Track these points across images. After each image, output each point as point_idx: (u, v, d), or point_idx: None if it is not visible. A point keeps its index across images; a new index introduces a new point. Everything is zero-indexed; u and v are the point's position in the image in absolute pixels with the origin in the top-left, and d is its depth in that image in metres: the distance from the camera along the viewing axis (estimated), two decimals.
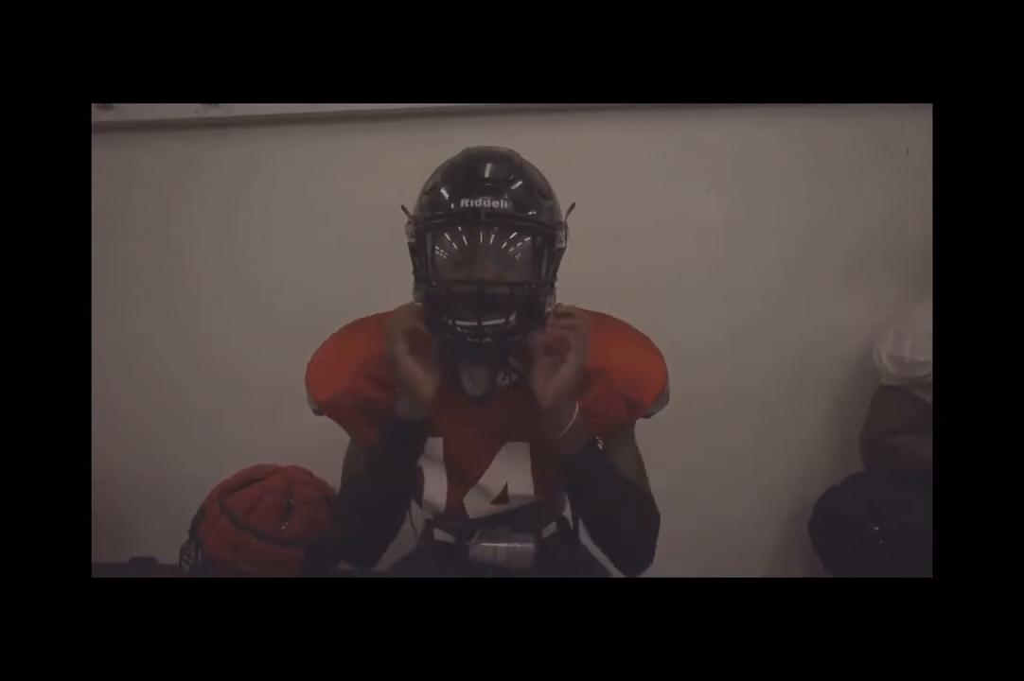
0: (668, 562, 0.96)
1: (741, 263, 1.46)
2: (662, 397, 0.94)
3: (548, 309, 0.84)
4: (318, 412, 0.97)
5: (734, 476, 1.45)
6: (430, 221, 0.84)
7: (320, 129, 1.61)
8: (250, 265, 1.62)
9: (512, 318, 0.81)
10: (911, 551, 1.17)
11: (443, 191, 0.84)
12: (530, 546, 0.98)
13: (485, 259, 0.82)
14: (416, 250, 0.85)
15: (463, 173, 0.85)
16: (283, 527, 1.29)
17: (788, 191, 1.43)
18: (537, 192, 0.86)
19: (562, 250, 0.87)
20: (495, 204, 0.81)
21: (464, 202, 0.81)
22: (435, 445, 0.95)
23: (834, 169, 1.42)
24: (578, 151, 1.46)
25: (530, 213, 0.84)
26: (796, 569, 1.40)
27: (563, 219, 0.89)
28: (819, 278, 1.45)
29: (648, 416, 0.95)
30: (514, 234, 0.83)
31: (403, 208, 0.89)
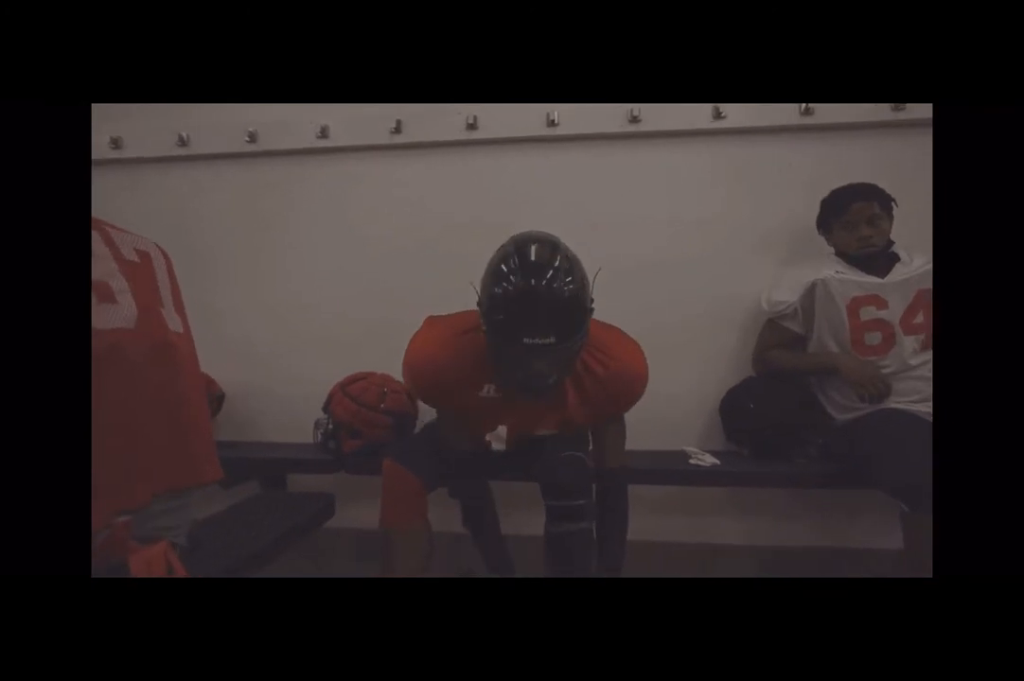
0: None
1: (688, 247, 2.07)
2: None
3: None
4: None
5: (676, 382, 2.00)
6: (501, 343, 1.18)
7: (347, 156, 2.07)
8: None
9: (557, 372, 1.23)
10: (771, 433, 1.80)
11: (509, 326, 1.15)
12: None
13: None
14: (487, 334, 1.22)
15: (522, 314, 1.14)
16: (381, 405, 1.96)
17: (719, 198, 2.05)
18: (580, 307, 1.16)
19: (592, 309, 1.20)
20: (549, 340, 1.14)
21: (526, 340, 1.14)
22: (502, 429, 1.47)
23: (748, 181, 2.03)
24: (578, 172, 2.10)
25: (576, 335, 1.16)
26: (715, 440, 2.03)
27: (591, 289, 1.18)
28: (739, 256, 2.04)
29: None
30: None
31: (472, 285, 1.22)
